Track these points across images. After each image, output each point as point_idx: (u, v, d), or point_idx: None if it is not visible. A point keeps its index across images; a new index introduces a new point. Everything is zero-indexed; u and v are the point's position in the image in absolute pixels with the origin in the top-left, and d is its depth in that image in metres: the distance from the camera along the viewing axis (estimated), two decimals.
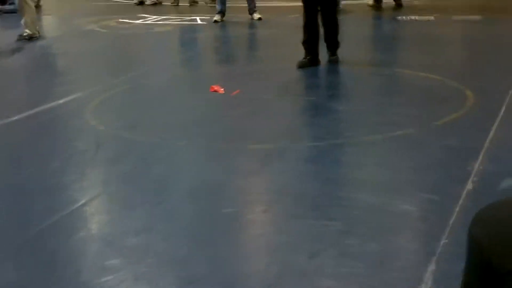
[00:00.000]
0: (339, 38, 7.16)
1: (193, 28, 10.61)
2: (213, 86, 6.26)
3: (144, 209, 3.81)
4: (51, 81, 7.25)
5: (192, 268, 3.11)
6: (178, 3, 12.43)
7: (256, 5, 10.52)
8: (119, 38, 9.77)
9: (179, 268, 3.16)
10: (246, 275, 3.16)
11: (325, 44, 7.17)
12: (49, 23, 11.43)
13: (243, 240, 3.59)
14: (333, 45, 7.19)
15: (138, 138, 5.09)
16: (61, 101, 6.11)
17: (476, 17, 10.08)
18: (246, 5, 10.53)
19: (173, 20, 11.02)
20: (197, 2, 12.43)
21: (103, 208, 4.06)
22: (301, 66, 7.15)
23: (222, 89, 6.20)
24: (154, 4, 12.79)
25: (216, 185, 4.19)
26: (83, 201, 3.93)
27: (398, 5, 11.24)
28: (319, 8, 7.02)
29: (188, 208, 3.84)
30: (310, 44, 7.14)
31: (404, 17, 10.50)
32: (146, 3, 12.90)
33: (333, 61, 7.20)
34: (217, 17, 10.44)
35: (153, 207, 3.83)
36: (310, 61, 7.15)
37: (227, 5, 10.46)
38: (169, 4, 12.49)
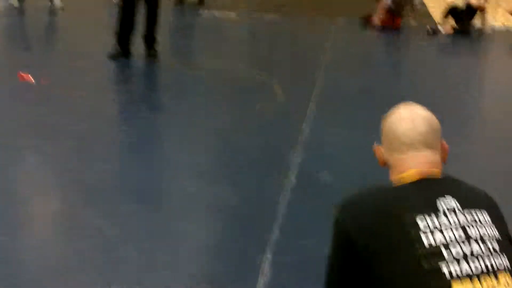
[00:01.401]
0: (157, 33, 7.12)
1: None
2: (22, 74, 5.98)
3: None
4: None
5: None
6: None
7: None
8: None
9: None
10: None
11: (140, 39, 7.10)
12: None
13: None
14: (151, 40, 7.10)
15: None
16: None
17: (275, 16, 10.62)
18: None
19: None
20: None
21: None
22: (112, 57, 6.98)
23: (32, 79, 5.93)
24: None
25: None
26: None
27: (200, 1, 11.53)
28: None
29: None
30: (123, 35, 6.97)
31: (206, 11, 10.78)
32: None
33: (152, 55, 7.12)
34: (14, 2, 9.90)
35: None
36: (122, 52, 7.01)
37: None
38: None
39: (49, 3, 10.02)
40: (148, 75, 7.00)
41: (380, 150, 1.79)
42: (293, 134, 4.90)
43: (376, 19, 10.00)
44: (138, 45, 7.10)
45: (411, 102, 1.82)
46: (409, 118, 1.73)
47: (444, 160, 1.76)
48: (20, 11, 9.77)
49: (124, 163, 4.37)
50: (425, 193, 1.62)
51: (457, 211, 1.59)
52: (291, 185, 3.98)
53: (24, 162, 4.19)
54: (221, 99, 6.00)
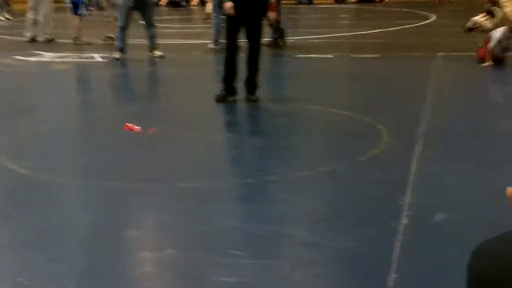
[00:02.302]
0: (259, 79, 7.25)
1: (94, 66, 10.33)
2: (128, 124, 6.07)
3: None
4: None
5: None
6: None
7: (157, 42, 10.43)
8: (18, 76, 9.35)
9: None
10: None
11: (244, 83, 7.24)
12: None
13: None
14: (253, 86, 7.25)
15: (61, 180, 4.83)
16: None
17: (374, 55, 10.48)
18: (147, 42, 10.42)
19: (71, 57, 10.70)
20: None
21: None
22: (219, 100, 7.16)
23: (138, 127, 6.02)
24: (48, 41, 12.41)
25: (152, 226, 4.04)
26: None
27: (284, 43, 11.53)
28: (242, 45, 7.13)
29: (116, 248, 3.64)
30: (228, 79, 7.19)
31: (303, 55, 10.76)
32: (38, 40, 12.49)
33: (253, 100, 7.23)
34: (117, 54, 10.24)
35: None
36: (228, 94, 7.19)
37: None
38: (63, 41, 12.17)
39: (150, 53, 10.30)
40: (253, 119, 7.03)
41: None
42: (404, 174, 4.69)
43: (486, 53, 9.59)
44: (240, 91, 7.20)
45: None
46: None
47: None
48: (123, 62, 10.07)
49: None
50: None
51: None
52: (406, 227, 3.78)
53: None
54: (327, 143, 5.87)
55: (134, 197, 4.45)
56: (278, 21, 10.78)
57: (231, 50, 7.17)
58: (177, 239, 3.78)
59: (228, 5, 6.99)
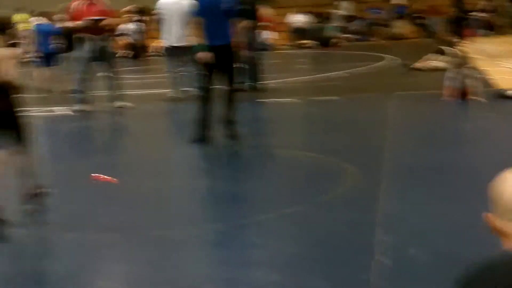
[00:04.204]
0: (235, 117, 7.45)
1: (55, 119, 10.24)
2: (94, 175, 6.04)
3: None
4: None
5: None
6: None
7: (118, 92, 10.41)
8: None
9: None
10: None
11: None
12: None
13: None
14: (230, 123, 7.46)
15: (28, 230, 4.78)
16: None
17: (334, 97, 10.63)
18: (108, 93, 10.40)
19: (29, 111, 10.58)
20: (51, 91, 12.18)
21: None
22: (193, 141, 7.35)
23: (108, 177, 5.99)
24: None
25: (119, 276, 3.98)
26: None
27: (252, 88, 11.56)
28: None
29: None
30: (203, 120, 7.39)
31: (268, 100, 10.86)
32: None
33: (232, 136, 7.45)
34: (78, 107, 10.20)
35: None
36: (202, 137, 7.38)
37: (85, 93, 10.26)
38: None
39: (111, 104, 10.29)
40: (218, 164, 7.04)
41: (492, 219, 1.67)
42: (370, 212, 4.73)
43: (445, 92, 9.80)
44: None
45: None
46: None
47: None
48: (84, 114, 10.02)
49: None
50: None
51: None
52: (378, 264, 3.80)
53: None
54: (292, 185, 5.92)
55: (101, 247, 4.39)
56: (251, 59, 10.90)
57: (205, 97, 7.41)
58: None
59: (206, 55, 7.27)
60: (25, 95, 5.17)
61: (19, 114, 4.95)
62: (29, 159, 5.08)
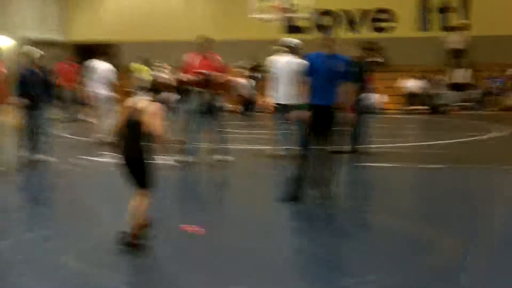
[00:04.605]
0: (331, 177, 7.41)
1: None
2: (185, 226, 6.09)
3: None
4: None
5: None
6: None
7: (222, 146, 10.49)
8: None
9: None
10: None
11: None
12: None
13: None
14: (325, 183, 7.38)
15: None
16: None
17: (438, 166, 10.27)
18: (210, 145, 10.50)
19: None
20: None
21: None
22: (287, 199, 7.36)
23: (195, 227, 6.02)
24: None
25: None
26: None
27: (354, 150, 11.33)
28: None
29: None
30: (298, 179, 7.38)
31: (369, 164, 10.63)
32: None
33: (325, 198, 7.35)
34: (180, 157, 10.30)
35: None
36: (296, 196, 7.36)
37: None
38: None
39: (217, 157, 10.38)
40: (318, 221, 6.91)
41: None
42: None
43: None
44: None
45: None
46: None
47: None
48: (191, 165, 10.15)
49: None
50: None
51: None
52: None
53: None
54: (391, 256, 5.66)
55: None
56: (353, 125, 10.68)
57: (303, 156, 7.43)
58: None
59: (303, 114, 7.33)
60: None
61: (146, 161, 5.40)
62: (143, 203, 5.39)
